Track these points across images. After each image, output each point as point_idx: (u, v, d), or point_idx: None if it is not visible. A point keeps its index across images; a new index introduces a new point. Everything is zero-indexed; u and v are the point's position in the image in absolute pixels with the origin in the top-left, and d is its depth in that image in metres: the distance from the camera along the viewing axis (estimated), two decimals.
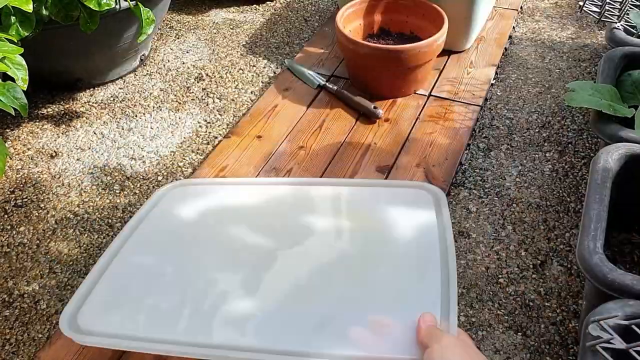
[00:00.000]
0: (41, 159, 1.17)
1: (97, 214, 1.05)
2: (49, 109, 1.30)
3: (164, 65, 1.44)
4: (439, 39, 1.19)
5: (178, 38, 1.55)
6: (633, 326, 0.60)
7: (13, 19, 1.00)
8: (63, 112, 1.29)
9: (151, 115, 1.28)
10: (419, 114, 1.22)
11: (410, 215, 0.84)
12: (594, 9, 1.25)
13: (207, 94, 1.34)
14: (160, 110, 1.29)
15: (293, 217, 0.84)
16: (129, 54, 1.35)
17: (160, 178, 1.12)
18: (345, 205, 0.88)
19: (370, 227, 0.82)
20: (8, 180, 1.12)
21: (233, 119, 1.26)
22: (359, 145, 1.15)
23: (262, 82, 1.37)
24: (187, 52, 1.48)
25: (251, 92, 1.33)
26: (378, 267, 0.72)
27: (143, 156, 1.17)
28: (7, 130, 1.24)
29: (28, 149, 1.19)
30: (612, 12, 1.21)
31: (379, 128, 1.19)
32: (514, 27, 1.52)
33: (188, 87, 1.36)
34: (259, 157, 1.13)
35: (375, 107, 1.19)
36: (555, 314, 0.87)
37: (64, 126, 1.25)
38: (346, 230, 0.81)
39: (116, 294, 0.71)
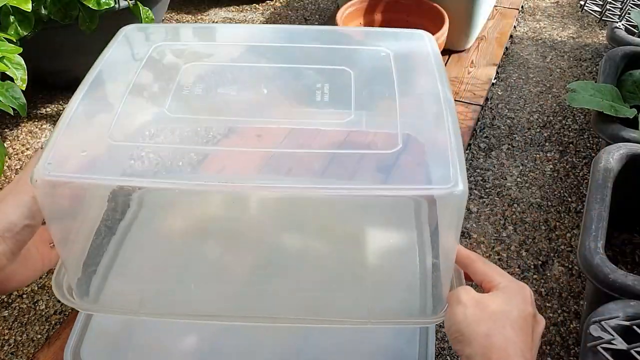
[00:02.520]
0: None
1: None
2: (47, 109, 1.30)
3: None
4: (440, 38, 1.19)
5: None
6: (634, 327, 0.60)
7: (12, 18, 1.00)
8: (62, 111, 1.29)
9: None
10: None
11: (387, 234, 0.85)
12: (595, 8, 1.24)
13: None
14: None
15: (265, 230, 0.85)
16: None
17: None
18: (317, 217, 0.89)
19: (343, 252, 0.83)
20: (7, 180, 1.11)
21: None
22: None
23: None
24: None
25: None
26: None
27: (142, 156, 1.17)
28: (6, 130, 1.23)
29: (27, 149, 1.19)
30: (613, 11, 1.21)
31: None
32: (515, 27, 1.52)
33: None
34: (259, 156, 1.13)
35: None
36: (556, 314, 0.87)
37: None
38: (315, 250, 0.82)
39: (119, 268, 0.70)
